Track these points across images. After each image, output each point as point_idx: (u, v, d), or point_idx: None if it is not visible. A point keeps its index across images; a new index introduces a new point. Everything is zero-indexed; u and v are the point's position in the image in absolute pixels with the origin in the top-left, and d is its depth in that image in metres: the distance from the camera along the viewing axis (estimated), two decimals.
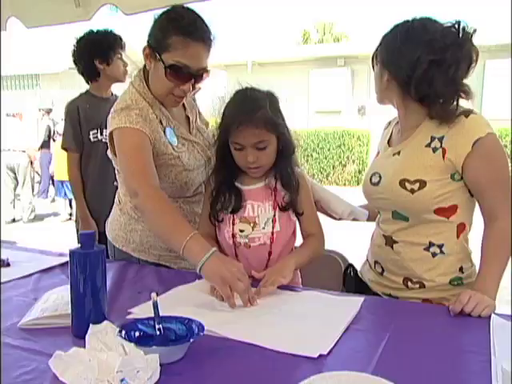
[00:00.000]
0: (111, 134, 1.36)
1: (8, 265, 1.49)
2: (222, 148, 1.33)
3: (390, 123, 1.44)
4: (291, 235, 1.39)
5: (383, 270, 1.31)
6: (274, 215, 1.34)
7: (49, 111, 7.90)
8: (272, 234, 1.34)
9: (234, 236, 1.35)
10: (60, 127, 7.83)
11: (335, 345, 0.93)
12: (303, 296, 1.23)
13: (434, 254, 1.23)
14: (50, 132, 7.59)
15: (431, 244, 1.23)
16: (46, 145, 7.70)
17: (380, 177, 1.28)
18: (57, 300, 1.07)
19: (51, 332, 0.99)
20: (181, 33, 1.28)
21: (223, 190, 1.35)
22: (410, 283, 1.26)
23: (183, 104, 1.52)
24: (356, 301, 1.16)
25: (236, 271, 1.12)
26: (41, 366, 0.84)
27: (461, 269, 1.24)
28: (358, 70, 12.83)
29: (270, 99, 1.29)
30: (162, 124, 1.41)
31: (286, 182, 1.34)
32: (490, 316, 1.05)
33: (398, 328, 1.01)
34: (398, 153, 1.26)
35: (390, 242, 1.28)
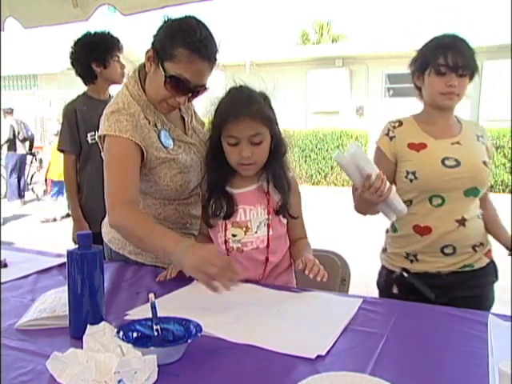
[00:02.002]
0: (102, 137, 1.37)
1: (5, 265, 1.48)
2: (214, 146, 1.33)
3: (401, 123, 1.56)
4: (284, 236, 1.40)
5: (455, 250, 1.49)
6: (269, 219, 1.34)
7: (10, 111, 7.78)
8: (268, 238, 1.34)
9: (226, 242, 1.35)
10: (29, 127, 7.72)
11: (333, 345, 0.93)
12: (301, 297, 1.23)
13: (481, 219, 1.55)
14: (14, 132, 7.48)
15: (480, 213, 1.55)
16: (12, 146, 7.53)
17: (456, 160, 1.47)
18: (54, 301, 1.07)
19: (48, 333, 0.99)
20: (188, 47, 1.26)
21: (215, 194, 1.36)
22: (477, 248, 1.51)
23: None
24: (354, 301, 1.16)
25: (208, 255, 1.09)
26: (38, 367, 0.84)
27: None
28: (356, 70, 12.86)
29: (264, 97, 1.31)
30: (156, 127, 1.40)
31: (279, 185, 1.34)
32: (487, 317, 1.06)
33: (396, 329, 1.01)
34: (458, 142, 1.52)
35: (462, 222, 1.48)
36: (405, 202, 1.44)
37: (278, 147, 1.33)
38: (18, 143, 7.65)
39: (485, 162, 1.50)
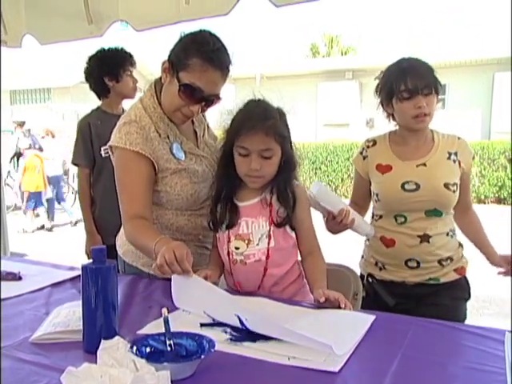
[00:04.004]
0: (113, 148, 1.42)
1: (20, 278, 1.50)
2: (226, 155, 1.35)
3: (375, 142, 1.64)
4: (291, 249, 1.38)
5: (419, 264, 1.56)
6: (269, 231, 1.34)
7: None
8: (267, 250, 1.33)
9: (229, 254, 1.36)
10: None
11: (346, 362, 0.92)
12: (313, 312, 1.22)
13: (451, 237, 1.60)
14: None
15: (450, 230, 1.60)
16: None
17: (416, 184, 1.52)
18: (68, 315, 1.07)
19: (62, 347, 0.99)
20: (202, 57, 1.31)
21: (221, 202, 1.38)
22: (443, 262, 1.57)
23: (192, 119, 1.53)
24: (366, 318, 1.15)
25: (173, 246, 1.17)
26: (52, 381, 0.84)
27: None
28: (366, 82, 12.87)
29: (280, 113, 1.33)
30: (168, 139, 1.43)
31: (282, 197, 1.34)
32: (504, 333, 1.04)
33: (411, 346, 1.00)
34: (424, 164, 1.55)
35: (425, 238, 1.54)
36: (375, 216, 1.61)
37: (287, 163, 1.34)
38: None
39: (446, 184, 1.52)
